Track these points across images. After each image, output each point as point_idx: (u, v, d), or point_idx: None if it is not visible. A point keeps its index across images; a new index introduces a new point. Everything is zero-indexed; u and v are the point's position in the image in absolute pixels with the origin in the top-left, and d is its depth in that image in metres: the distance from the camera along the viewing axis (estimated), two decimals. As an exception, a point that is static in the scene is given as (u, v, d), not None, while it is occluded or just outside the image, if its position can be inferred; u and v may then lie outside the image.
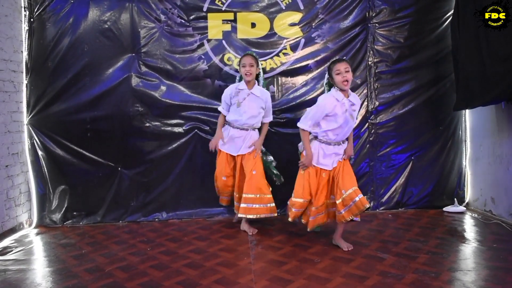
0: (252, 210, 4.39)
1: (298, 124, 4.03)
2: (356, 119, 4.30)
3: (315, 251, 3.94)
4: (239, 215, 4.49)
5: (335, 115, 3.88)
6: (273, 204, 4.47)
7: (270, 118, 4.75)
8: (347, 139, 4.10)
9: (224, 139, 4.62)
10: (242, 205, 4.43)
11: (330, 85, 4.05)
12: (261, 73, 4.73)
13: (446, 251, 3.88)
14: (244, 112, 4.52)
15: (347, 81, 3.85)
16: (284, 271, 3.47)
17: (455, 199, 5.40)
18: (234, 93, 4.55)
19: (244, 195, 4.44)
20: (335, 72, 3.88)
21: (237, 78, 4.87)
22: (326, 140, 3.98)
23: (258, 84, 4.65)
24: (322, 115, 3.90)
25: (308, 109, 4.23)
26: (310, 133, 4.06)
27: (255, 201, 4.40)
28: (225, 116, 4.68)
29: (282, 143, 5.08)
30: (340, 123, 3.89)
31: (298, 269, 3.51)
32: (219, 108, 4.72)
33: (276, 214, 4.50)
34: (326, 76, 4.09)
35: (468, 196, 5.48)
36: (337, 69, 3.86)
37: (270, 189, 4.53)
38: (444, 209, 5.33)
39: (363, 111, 5.31)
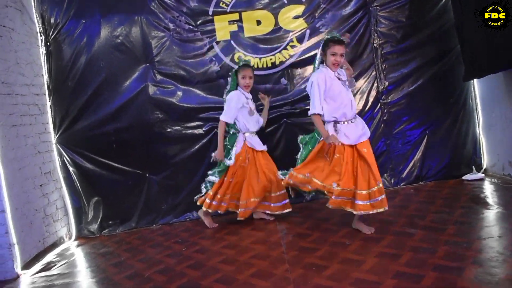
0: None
1: (309, 113, 3.79)
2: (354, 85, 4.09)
3: (344, 234, 3.78)
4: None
5: (332, 90, 3.70)
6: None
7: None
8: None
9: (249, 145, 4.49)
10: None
11: (321, 61, 3.87)
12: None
13: (472, 219, 3.71)
14: (256, 118, 4.55)
15: (338, 64, 3.72)
16: (317, 257, 3.33)
17: (473, 166, 5.20)
18: (244, 101, 4.43)
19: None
20: (330, 52, 3.70)
21: None
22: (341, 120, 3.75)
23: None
24: (322, 90, 3.69)
25: (310, 95, 3.89)
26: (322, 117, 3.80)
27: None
28: (226, 125, 4.46)
29: (299, 132, 4.90)
30: (342, 98, 3.71)
31: (330, 254, 3.36)
32: (224, 118, 4.40)
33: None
34: (319, 52, 3.86)
35: (485, 162, 5.28)
36: (333, 51, 3.69)
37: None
38: (464, 177, 5.13)
39: (374, 92, 5.14)
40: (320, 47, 3.85)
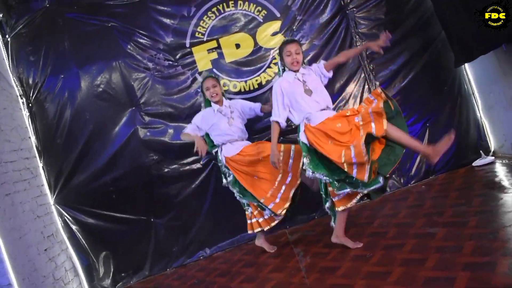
0: None
1: (271, 119, 3.71)
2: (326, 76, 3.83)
3: (363, 246, 3.59)
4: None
5: (293, 93, 3.61)
6: None
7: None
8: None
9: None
10: None
11: (283, 68, 3.81)
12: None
13: (492, 207, 3.53)
14: (235, 127, 4.26)
15: (297, 62, 3.64)
16: (340, 276, 3.14)
17: (481, 151, 5.05)
18: (215, 116, 4.23)
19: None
20: (285, 53, 3.67)
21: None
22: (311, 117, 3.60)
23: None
24: (282, 98, 3.63)
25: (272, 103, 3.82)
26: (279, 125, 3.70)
27: None
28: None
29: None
30: (305, 100, 3.60)
31: (353, 270, 3.17)
32: (189, 130, 4.28)
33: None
34: (279, 60, 3.83)
35: (492, 145, 5.12)
36: (287, 51, 3.66)
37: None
38: (473, 164, 4.98)
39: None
40: (278, 58, 3.84)
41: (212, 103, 4.30)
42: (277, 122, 3.68)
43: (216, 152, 4.33)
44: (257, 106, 4.35)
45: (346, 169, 3.31)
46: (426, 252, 3.03)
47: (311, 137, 3.52)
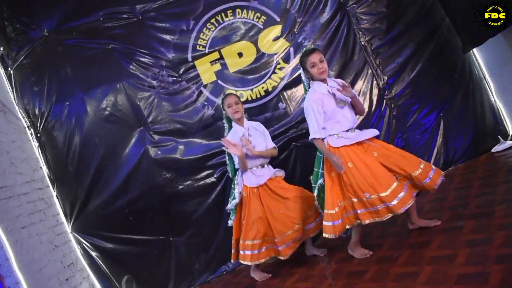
0: None
1: (310, 138, 3.52)
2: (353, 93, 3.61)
3: (389, 246, 3.47)
4: None
5: (327, 108, 3.46)
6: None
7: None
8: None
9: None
10: None
11: (308, 79, 3.67)
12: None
13: (519, 193, 3.40)
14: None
15: (324, 71, 3.48)
16: (368, 280, 3.03)
17: (499, 136, 4.92)
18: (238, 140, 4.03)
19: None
20: (309, 65, 3.52)
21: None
22: (341, 135, 3.50)
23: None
24: (320, 113, 3.46)
25: (307, 120, 3.62)
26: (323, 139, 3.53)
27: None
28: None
29: (311, 152, 4.59)
30: (335, 115, 3.48)
31: (380, 273, 3.06)
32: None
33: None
34: (302, 74, 3.70)
35: (510, 128, 4.97)
36: (311, 62, 3.50)
37: None
38: (493, 150, 4.84)
39: (375, 90, 4.90)
40: (301, 70, 3.69)
41: (233, 123, 4.16)
42: (320, 139, 3.50)
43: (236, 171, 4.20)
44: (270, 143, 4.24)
45: None
46: (455, 247, 2.91)
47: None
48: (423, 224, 3.50)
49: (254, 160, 4.03)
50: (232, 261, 4.18)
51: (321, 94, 3.50)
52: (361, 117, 4.75)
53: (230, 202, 4.08)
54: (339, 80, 3.67)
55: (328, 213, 3.35)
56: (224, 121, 4.27)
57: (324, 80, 3.56)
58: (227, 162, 4.24)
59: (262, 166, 4.08)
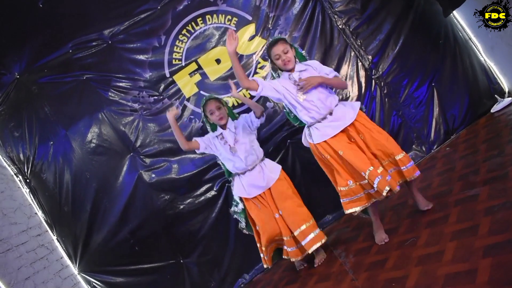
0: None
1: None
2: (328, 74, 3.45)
3: (405, 229, 3.28)
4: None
5: (288, 97, 3.35)
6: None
7: None
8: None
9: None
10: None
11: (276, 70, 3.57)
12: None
13: (530, 150, 3.23)
14: (241, 153, 3.83)
15: (288, 61, 3.37)
16: (391, 269, 2.85)
17: (495, 95, 4.75)
18: (217, 143, 3.90)
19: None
20: (274, 58, 3.41)
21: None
22: (313, 121, 3.36)
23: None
24: (276, 86, 3.36)
25: None
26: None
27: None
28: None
29: (305, 147, 4.43)
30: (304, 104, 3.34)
31: (402, 259, 2.88)
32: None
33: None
34: (269, 66, 3.61)
35: (506, 85, 4.82)
36: (275, 54, 3.39)
37: None
38: (492, 110, 4.68)
39: (362, 72, 4.73)
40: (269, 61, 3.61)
41: (218, 127, 3.98)
42: (256, 81, 3.33)
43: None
44: (251, 113, 3.95)
45: None
46: (474, 217, 2.73)
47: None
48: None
49: (240, 165, 3.86)
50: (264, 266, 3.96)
51: (280, 84, 3.39)
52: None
53: (235, 206, 3.96)
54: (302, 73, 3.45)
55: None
56: (208, 127, 4.10)
57: (291, 70, 3.44)
58: (221, 164, 4.10)
59: (255, 163, 3.87)
